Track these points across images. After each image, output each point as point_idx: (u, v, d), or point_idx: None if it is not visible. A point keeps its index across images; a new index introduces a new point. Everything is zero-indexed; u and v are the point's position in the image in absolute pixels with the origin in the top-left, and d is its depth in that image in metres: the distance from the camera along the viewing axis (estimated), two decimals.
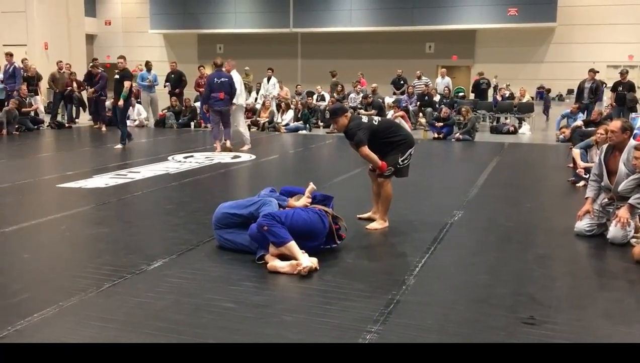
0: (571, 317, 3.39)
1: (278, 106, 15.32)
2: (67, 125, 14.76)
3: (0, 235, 4.95)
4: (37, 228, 5.25)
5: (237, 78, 10.74)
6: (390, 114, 13.75)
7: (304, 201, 4.59)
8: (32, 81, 15.22)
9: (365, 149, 5.11)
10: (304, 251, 4.10)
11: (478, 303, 3.57)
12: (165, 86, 15.75)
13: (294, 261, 4.01)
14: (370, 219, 5.42)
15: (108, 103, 14.09)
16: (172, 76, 15.45)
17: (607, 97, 17.08)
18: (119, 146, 10.80)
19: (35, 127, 13.87)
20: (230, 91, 10.47)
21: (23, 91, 14.49)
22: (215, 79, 10.48)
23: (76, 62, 17.53)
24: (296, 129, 14.44)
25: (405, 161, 5.27)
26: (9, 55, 14.43)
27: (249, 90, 17.85)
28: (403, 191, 6.08)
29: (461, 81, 25.61)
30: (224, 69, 10.63)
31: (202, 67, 15.41)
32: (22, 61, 16.32)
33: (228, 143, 10.67)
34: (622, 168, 4.87)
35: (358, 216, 5.50)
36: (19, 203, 6.44)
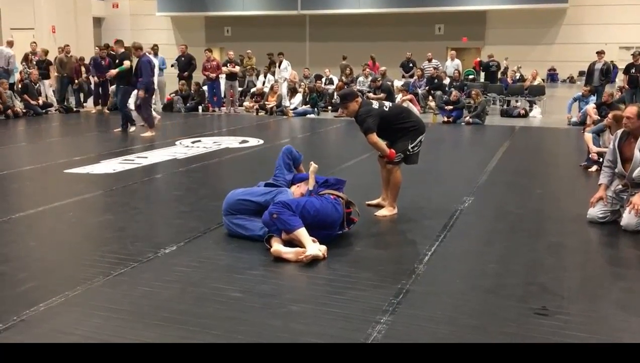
0: (584, 308, 3.32)
1: (292, 90, 15.10)
2: (74, 110, 14.74)
3: (7, 222, 4.93)
4: (44, 215, 5.23)
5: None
6: (399, 97, 13.62)
7: (310, 183, 4.55)
8: (42, 64, 15.18)
9: (374, 137, 5.01)
10: (314, 239, 4.05)
11: (489, 293, 3.51)
12: (172, 66, 15.55)
13: (299, 249, 3.96)
14: (379, 206, 5.35)
15: (113, 88, 14.02)
16: (182, 59, 15.27)
17: (620, 79, 16.85)
18: (118, 129, 10.79)
19: (44, 111, 13.85)
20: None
21: (34, 76, 14.46)
22: (151, 63, 10.49)
23: (84, 46, 17.48)
24: (304, 113, 14.34)
25: (415, 148, 5.17)
26: None
27: (256, 73, 17.74)
28: (412, 177, 6.00)
29: (471, 63, 25.32)
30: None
31: (208, 51, 15.25)
32: (31, 45, 16.32)
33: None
34: (637, 154, 4.77)
35: (367, 202, 5.44)
36: (26, 189, 6.42)
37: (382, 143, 5.07)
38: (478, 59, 19.87)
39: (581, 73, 24.75)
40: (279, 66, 15.88)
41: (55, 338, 2.90)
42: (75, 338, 2.90)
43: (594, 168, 7.14)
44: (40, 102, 14.11)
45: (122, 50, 11.01)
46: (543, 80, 19.75)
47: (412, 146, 5.13)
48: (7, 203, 5.72)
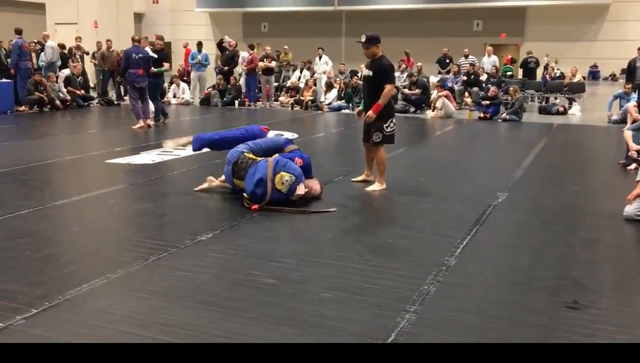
0: (616, 302, 3.31)
1: (328, 85, 15.12)
2: (115, 103, 15.10)
3: (52, 208, 5.13)
4: (87, 202, 5.42)
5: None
6: (434, 93, 13.56)
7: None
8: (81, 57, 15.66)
9: (394, 89, 5.74)
10: None
11: (519, 285, 3.52)
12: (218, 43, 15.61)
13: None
14: (365, 182, 5.95)
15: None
16: (227, 52, 15.41)
17: None
18: (152, 122, 10.95)
19: (86, 104, 14.23)
20: (148, 66, 10.69)
21: (77, 69, 14.84)
22: (134, 54, 10.54)
23: (125, 41, 17.83)
24: (339, 109, 14.39)
25: (389, 129, 5.73)
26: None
27: (293, 68, 17.85)
28: (447, 170, 6.03)
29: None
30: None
31: (250, 47, 15.34)
32: (76, 39, 16.85)
33: (149, 121, 10.78)
34: None
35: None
36: (69, 178, 6.65)
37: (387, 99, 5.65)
38: (509, 56, 19.57)
39: (624, 71, 24.13)
40: (320, 59, 15.98)
41: (97, 316, 3.04)
42: (116, 317, 3.03)
43: (633, 165, 7.02)
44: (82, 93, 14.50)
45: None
46: (583, 77, 19.36)
47: (386, 126, 5.72)
48: (51, 190, 5.95)
